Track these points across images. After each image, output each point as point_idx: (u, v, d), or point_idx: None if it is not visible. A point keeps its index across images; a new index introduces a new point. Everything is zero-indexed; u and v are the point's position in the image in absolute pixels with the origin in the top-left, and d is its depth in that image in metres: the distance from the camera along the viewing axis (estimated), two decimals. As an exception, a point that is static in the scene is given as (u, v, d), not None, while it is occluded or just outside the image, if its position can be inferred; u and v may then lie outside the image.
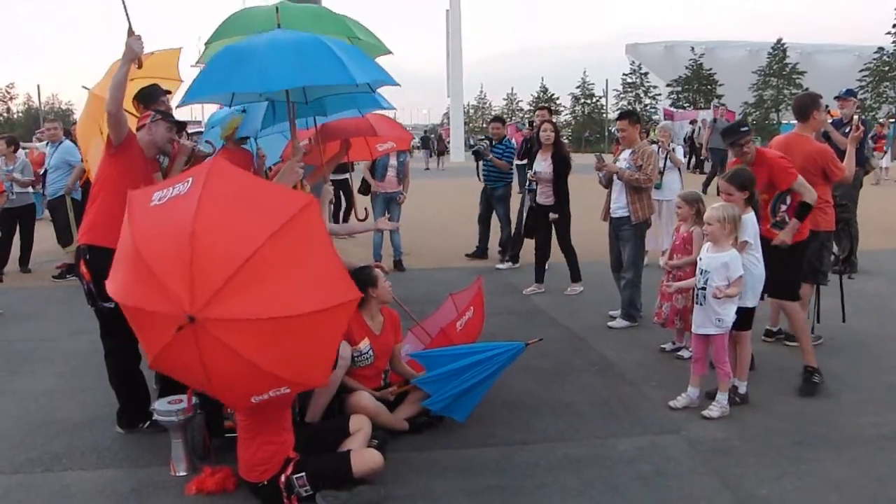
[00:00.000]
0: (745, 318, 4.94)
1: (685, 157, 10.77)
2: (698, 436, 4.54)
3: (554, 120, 10.44)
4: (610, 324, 7.01)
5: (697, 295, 4.86)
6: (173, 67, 5.89)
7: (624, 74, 70.96)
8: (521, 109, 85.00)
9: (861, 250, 8.97)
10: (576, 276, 8.63)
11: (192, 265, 3.05)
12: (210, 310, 3.02)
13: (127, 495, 3.99)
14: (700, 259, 4.88)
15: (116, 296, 3.32)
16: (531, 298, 8.31)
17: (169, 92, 5.19)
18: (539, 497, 3.85)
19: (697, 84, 63.94)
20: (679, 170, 9.93)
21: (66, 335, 7.08)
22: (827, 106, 17.52)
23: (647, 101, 68.70)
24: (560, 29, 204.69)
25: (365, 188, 10.01)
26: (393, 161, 9.70)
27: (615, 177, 7.00)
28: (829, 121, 9.20)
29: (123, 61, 4.30)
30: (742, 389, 5.02)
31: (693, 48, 65.15)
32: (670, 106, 51.48)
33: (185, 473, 4.16)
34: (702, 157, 23.74)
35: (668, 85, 65.30)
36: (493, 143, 10.08)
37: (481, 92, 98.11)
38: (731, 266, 4.70)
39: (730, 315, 4.76)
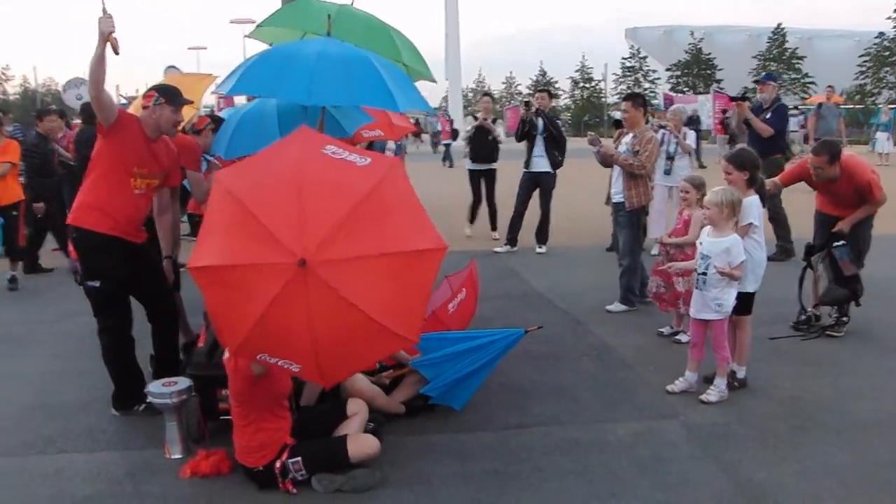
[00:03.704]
0: (745, 302, 4.90)
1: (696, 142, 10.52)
2: (696, 421, 4.51)
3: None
4: (608, 307, 6.97)
5: (697, 280, 4.82)
6: (199, 92, 5.82)
7: (623, 59, 70.74)
8: (520, 93, 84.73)
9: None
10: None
11: (301, 216, 3.18)
12: (321, 253, 3.12)
13: (121, 478, 3.97)
14: (700, 243, 4.84)
15: (219, 259, 3.25)
16: (529, 282, 8.27)
17: (190, 102, 5.06)
18: (535, 481, 3.83)
19: (697, 69, 63.74)
20: (690, 155, 9.69)
21: (63, 317, 7.04)
22: (830, 86, 17.30)
23: (647, 85, 68.48)
24: (558, 11, 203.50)
25: None
26: (391, 145, 9.64)
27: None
28: (749, 106, 9.16)
29: (98, 41, 4.20)
30: (741, 374, 4.99)
31: (692, 32, 64.93)
32: (670, 90, 51.31)
33: (179, 456, 4.14)
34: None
35: (667, 69, 65.12)
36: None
37: (480, 75, 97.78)
38: (733, 251, 4.66)
39: (729, 300, 4.73)
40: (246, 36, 5.32)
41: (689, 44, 64.24)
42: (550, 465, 3.99)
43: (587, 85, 77.19)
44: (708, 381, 4.89)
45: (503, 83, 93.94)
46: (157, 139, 4.72)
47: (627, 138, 7.00)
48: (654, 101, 52.32)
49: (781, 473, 3.85)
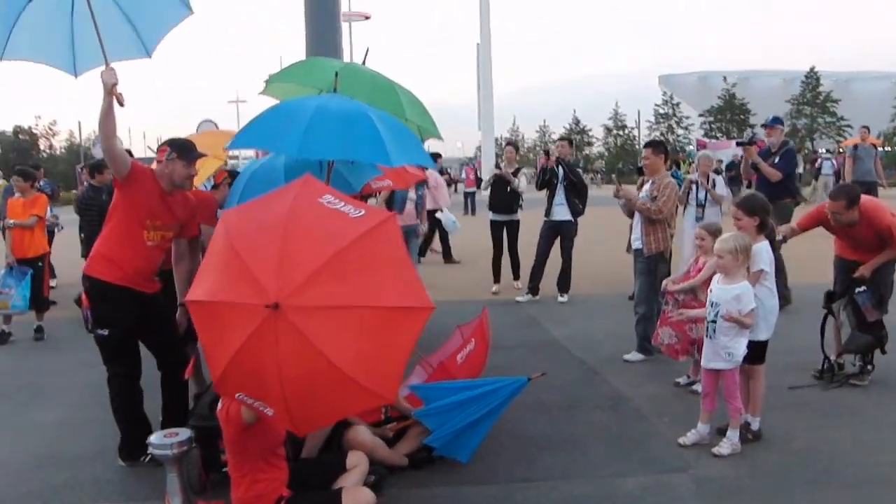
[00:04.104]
0: (757, 351, 4.80)
1: (728, 185, 10.22)
2: (707, 474, 4.38)
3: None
4: (625, 356, 6.87)
5: (707, 328, 4.73)
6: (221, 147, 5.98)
7: (656, 105, 70.85)
8: (553, 141, 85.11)
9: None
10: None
11: (281, 259, 3.20)
12: (294, 298, 3.12)
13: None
14: (710, 291, 4.76)
15: (205, 295, 3.32)
16: (549, 331, 8.19)
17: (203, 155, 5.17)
18: (538, 537, 3.74)
19: (730, 114, 63.54)
20: (720, 203, 9.25)
21: (81, 366, 7.10)
22: (866, 127, 16.85)
23: (680, 131, 68.41)
24: (593, 61, 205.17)
25: None
26: (412, 194, 9.69)
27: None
28: (757, 151, 9.04)
29: (104, 95, 4.32)
30: (755, 426, 4.86)
31: (725, 78, 64.88)
32: (703, 136, 51.14)
33: (180, 507, 4.13)
34: None
35: (700, 115, 65.03)
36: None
37: (514, 124, 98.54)
38: (743, 298, 4.58)
39: (740, 349, 4.63)
40: (259, 93, 5.42)
41: (723, 89, 64.17)
42: (553, 521, 3.90)
43: (620, 132, 77.36)
44: (722, 432, 4.76)
45: (537, 132, 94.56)
46: (172, 192, 4.80)
47: (646, 185, 6.98)
48: (689, 147, 52.28)
49: (792, 530, 3.72)
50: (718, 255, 4.65)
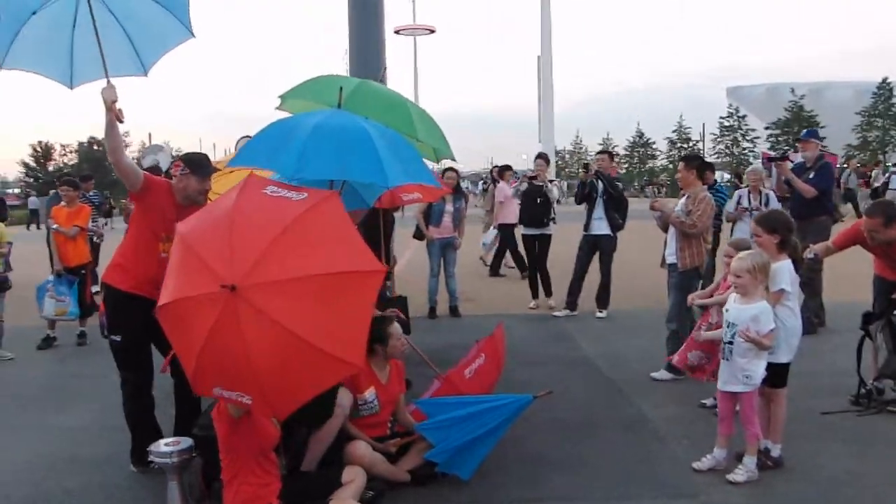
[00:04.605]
0: (778, 374, 4.59)
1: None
2: (717, 501, 4.20)
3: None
4: (653, 375, 6.68)
5: (723, 349, 4.54)
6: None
7: (721, 118, 69.42)
8: (618, 154, 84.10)
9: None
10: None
11: (232, 246, 3.31)
12: (249, 278, 3.22)
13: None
14: (726, 311, 4.58)
15: (168, 297, 3.41)
16: (582, 347, 8.03)
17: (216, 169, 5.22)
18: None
19: (798, 126, 61.79)
20: None
21: (111, 371, 7.24)
22: None
23: (746, 144, 66.84)
24: (658, 71, 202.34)
25: (419, 234, 9.97)
26: (449, 207, 9.65)
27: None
28: (790, 166, 8.61)
29: (105, 112, 4.41)
30: (775, 453, 4.64)
31: (793, 90, 63.13)
32: (769, 149, 49.85)
33: (180, 516, 4.14)
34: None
35: (766, 128, 63.42)
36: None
37: (577, 136, 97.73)
38: (762, 319, 4.38)
39: (758, 372, 4.43)
40: (275, 108, 5.43)
41: (791, 101, 62.47)
42: (549, 545, 3.79)
43: (685, 145, 75.97)
44: (741, 458, 4.56)
45: (599, 143, 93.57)
46: (188, 206, 4.86)
47: (682, 199, 6.81)
48: (755, 161, 50.90)
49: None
50: (735, 275, 4.47)
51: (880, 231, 5.44)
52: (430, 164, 6.36)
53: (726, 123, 69.04)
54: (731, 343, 4.46)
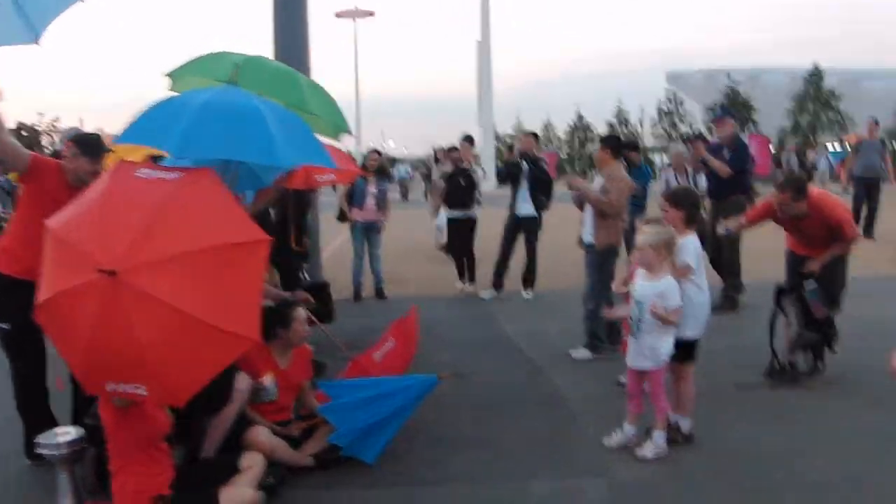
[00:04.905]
0: (687, 350, 4.58)
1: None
2: (624, 478, 4.17)
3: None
4: (573, 353, 6.65)
5: (631, 327, 4.52)
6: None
7: (660, 102, 70.29)
8: (559, 138, 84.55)
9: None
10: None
11: (104, 230, 3.14)
12: (128, 259, 3.03)
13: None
14: (633, 288, 4.55)
15: (43, 294, 3.20)
16: (504, 328, 7.98)
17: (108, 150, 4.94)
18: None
19: (736, 111, 63.02)
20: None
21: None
22: (874, 119, 15.34)
23: (684, 128, 67.87)
24: (598, 57, 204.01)
25: (342, 216, 9.76)
26: (373, 188, 9.48)
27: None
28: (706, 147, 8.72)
29: None
30: (685, 427, 4.64)
31: (729, 74, 64.33)
32: (704, 133, 50.77)
33: (70, 509, 3.94)
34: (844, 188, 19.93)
35: (704, 112, 64.53)
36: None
37: (517, 120, 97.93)
38: (668, 295, 4.35)
39: (665, 348, 4.41)
40: (168, 89, 5.15)
41: (726, 85, 63.68)
42: (451, 526, 3.71)
43: (624, 129, 76.74)
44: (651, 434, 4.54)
45: (539, 128, 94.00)
46: (80, 187, 4.62)
47: (598, 179, 6.79)
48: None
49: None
50: (639, 249, 4.43)
51: (790, 205, 5.50)
52: (330, 142, 6.18)
53: (665, 108, 69.95)
54: (640, 320, 4.43)
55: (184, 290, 3.08)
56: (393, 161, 49.65)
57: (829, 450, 4.54)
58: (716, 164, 8.21)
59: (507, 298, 9.49)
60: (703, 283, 4.63)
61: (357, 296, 9.66)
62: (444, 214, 11.01)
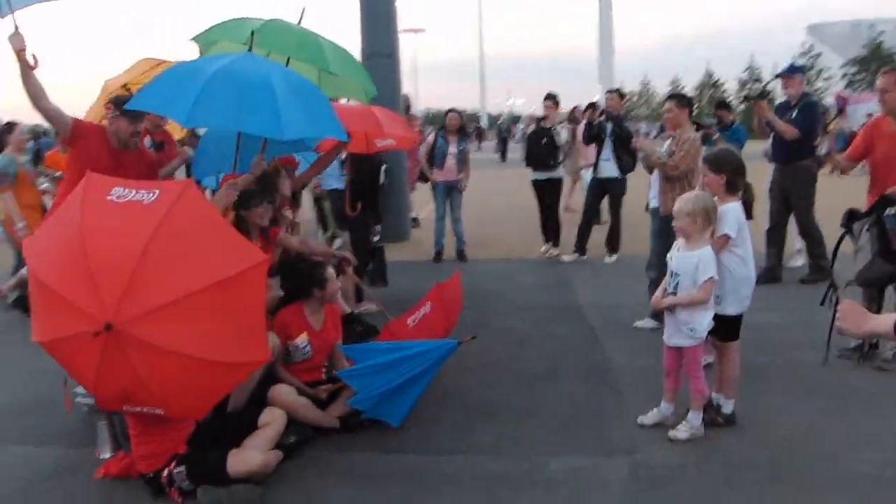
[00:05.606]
0: (729, 327, 4.28)
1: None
2: (649, 460, 3.96)
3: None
4: (636, 323, 6.40)
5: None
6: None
7: (794, 57, 66.10)
8: (687, 95, 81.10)
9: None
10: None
11: (92, 275, 3.09)
12: (123, 311, 3.04)
13: (49, 474, 4.04)
14: (670, 259, 4.28)
15: (39, 336, 3.30)
16: (577, 294, 7.77)
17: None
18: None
19: (877, 65, 58.35)
20: None
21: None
22: None
23: (820, 84, 63.57)
24: (734, 13, 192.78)
25: (424, 176, 9.77)
26: (452, 149, 9.39)
27: None
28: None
29: (17, 60, 4.30)
30: (727, 409, 4.36)
31: (874, 25, 59.59)
32: (845, 88, 47.35)
33: (109, 455, 4.13)
34: None
35: (841, 66, 60.14)
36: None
37: (646, 77, 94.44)
38: (701, 267, 4.07)
39: (703, 324, 4.12)
40: (190, 39, 5.20)
41: (869, 38, 59.03)
42: (457, 499, 3.65)
43: (756, 85, 72.67)
44: (690, 414, 4.30)
45: (668, 87, 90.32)
46: (124, 149, 4.75)
47: (668, 140, 6.41)
48: (828, 100, 48.41)
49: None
50: (675, 217, 4.15)
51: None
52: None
53: (798, 63, 65.82)
54: (674, 293, 4.18)
55: (182, 334, 3.10)
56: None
57: (888, 441, 4.14)
58: (780, 125, 7.47)
59: (588, 262, 9.25)
60: (748, 255, 4.25)
61: (438, 257, 9.65)
62: (587, 174, 10.46)
